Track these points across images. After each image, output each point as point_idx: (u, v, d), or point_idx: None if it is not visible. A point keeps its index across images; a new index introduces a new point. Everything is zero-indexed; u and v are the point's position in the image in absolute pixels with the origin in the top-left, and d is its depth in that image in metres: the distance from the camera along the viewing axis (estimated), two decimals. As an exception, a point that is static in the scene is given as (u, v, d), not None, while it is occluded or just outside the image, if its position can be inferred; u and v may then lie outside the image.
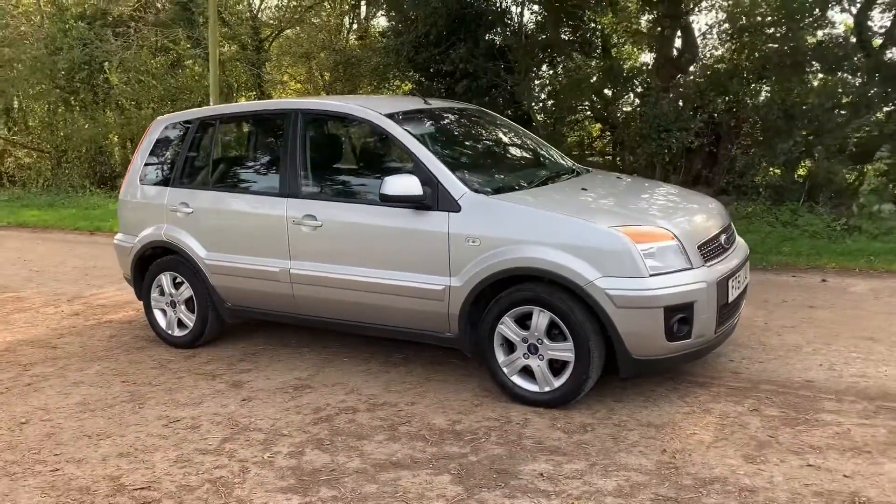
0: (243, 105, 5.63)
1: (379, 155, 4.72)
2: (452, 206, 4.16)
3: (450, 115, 5.26)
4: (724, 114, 11.17)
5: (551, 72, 13.85)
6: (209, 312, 5.23)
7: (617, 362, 3.91)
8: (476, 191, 4.19)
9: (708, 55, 11.69)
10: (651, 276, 3.77)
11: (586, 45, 13.51)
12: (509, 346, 4.13)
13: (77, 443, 3.94)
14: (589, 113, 13.59)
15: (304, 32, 17.65)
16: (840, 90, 10.28)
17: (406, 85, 16.35)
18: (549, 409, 4.04)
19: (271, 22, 18.22)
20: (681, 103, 11.46)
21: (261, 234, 4.84)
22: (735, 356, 4.72)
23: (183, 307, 5.35)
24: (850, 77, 10.45)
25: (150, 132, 5.55)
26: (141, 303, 5.69)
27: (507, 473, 3.41)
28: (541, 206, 4.09)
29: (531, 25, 14.31)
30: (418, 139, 4.41)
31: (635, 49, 13.05)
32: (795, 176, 10.66)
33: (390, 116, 4.55)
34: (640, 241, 3.81)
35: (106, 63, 17.25)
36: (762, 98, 10.75)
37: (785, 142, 10.12)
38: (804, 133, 10.19)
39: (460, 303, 4.16)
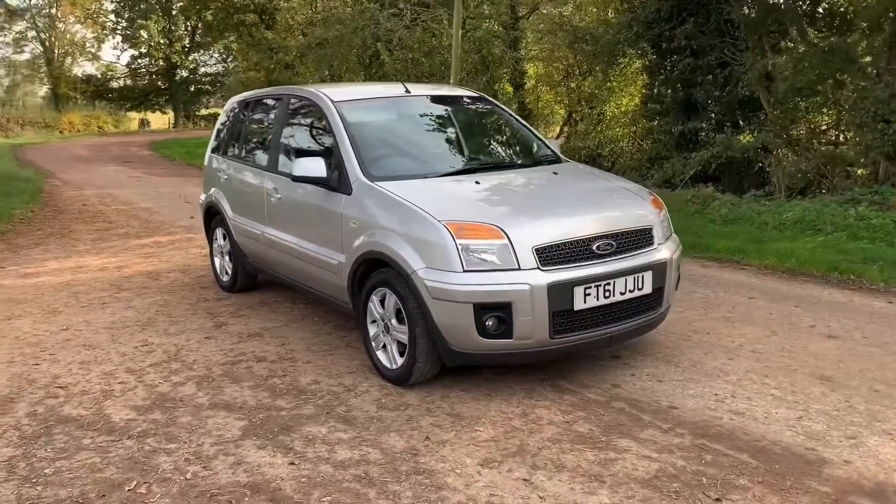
0: (264, 90, 6.39)
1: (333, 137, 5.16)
2: (348, 189, 4.53)
3: (418, 103, 5.41)
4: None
5: (783, 44, 12.46)
6: (238, 265, 6.20)
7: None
8: (368, 176, 4.49)
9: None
10: (466, 271, 3.82)
11: (822, 20, 11.98)
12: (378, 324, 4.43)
13: (72, 349, 5.14)
14: (820, 97, 12.04)
15: (553, 8, 17.92)
16: None
17: (636, 62, 15.85)
18: (396, 385, 4.29)
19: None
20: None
21: (254, 202, 5.64)
22: (643, 371, 4.41)
23: (227, 258, 6.40)
24: None
25: (224, 109, 6.64)
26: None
27: (288, 429, 3.81)
28: (406, 196, 4.23)
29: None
30: (347, 126, 4.79)
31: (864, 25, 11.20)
32: None
33: (336, 103, 4.98)
34: (463, 237, 3.85)
35: (378, 43, 19.31)
36: None
37: None
38: None
39: (347, 278, 4.55)
